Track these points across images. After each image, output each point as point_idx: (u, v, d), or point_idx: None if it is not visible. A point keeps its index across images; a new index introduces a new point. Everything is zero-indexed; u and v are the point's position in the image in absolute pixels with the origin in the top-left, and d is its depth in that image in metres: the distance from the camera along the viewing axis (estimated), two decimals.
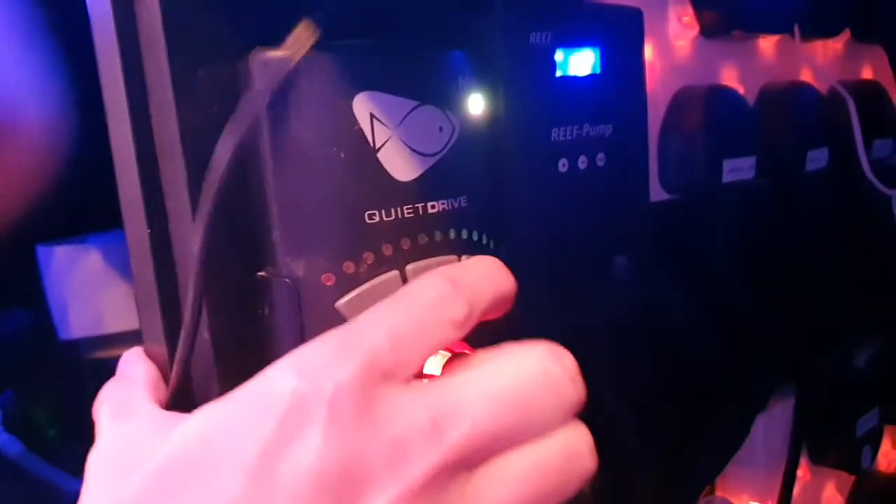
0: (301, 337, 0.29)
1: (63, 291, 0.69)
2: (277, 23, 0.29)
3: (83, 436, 0.71)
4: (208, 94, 0.29)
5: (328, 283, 0.29)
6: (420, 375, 0.30)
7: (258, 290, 0.30)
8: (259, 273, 0.30)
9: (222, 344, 0.29)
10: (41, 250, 0.70)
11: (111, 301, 0.68)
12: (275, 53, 0.28)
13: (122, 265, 0.57)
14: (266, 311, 0.30)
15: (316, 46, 0.28)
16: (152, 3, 0.28)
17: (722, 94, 0.44)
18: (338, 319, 0.29)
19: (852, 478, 0.64)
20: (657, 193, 0.43)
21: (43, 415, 0.75)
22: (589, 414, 0.38)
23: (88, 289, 0.69)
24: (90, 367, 0.70)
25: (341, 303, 0.29)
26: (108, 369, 0.70)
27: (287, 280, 0.29)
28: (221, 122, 0.29)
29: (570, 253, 0.37)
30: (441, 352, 0.30)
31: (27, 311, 0.72)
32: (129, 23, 0.29)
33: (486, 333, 0.32)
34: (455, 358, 0.30)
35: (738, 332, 0.45)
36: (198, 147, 0.29)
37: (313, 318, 0.29)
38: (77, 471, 0.67)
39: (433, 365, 0.30)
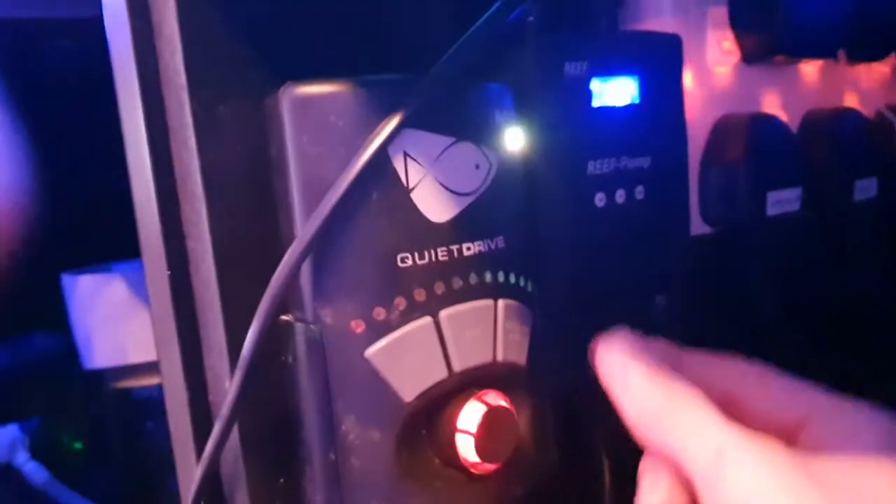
0: (327, 388, 0.28)
1: (87, 321, 0.68)
2: (303, 57, 0.28)
3: (109, 464, 0.70)
4: (231, 130, 0.28)
5: (357, 331, 0.27)
6: (454, 430, 0.28)
7: (281, 336, 0.28)
8: (282, 317, 0.28)
9: (243, 391, 0.27)
10: (66, 279, 0.70)
11: (136, 330, 0.67)
12: (307, 89, 0.27)
13: (147, 294, 0.56)
14: (290, 359, 0.28)
15: (347, 80, 0.27)
16: (172, 36, 0.27)
17: (764, 122, 0.42)
18: (367, 369, 0.27)
19: None
20: (698, 227, 0.41)
21: (69, 443, 0.75)
22: (626, 458, 0.36)
23: (113, 318, 0.68)
24: (115, 397, 0.69)
25: (371, 351, 0.27)
26: (133, 400, 0.69)
27: (312, 326, 0.27)
28: (244, 159, 0.28)
29: (608, 290, 0.35)
30: (477, 402, 0.29)
31: (54, 337, 0.72)
32: (149, 57, 0.28)
33: (520, 377, 0.31)
34: (491, 411, 0.28)
35: (784, 371, 0.43)
36: (220, 186, 0.28)
37: (341, 367, 0.28)
38: (102, 500, 0.66)
39: (470, 419, 0.28)
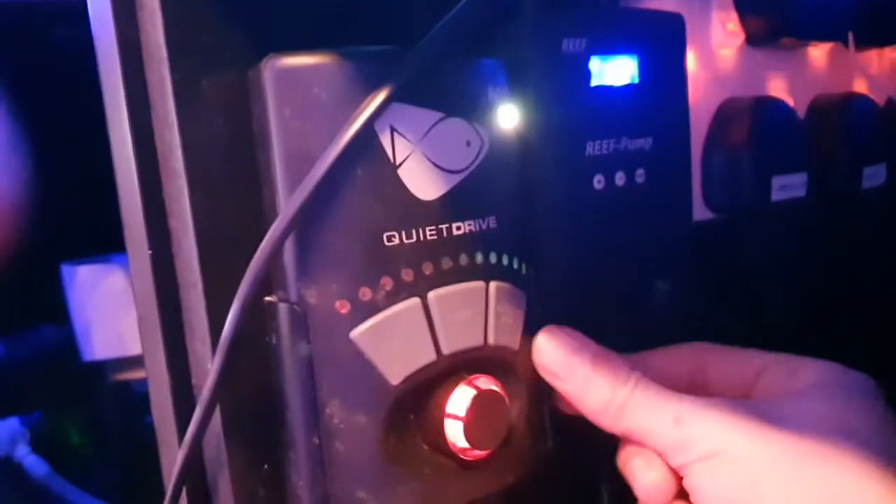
0: (311, 370, 0.27)
1: (87, 312, 0.68)
2: (288, 28, 0.27)
3: (109, 458, 0.69)
4: (213, 104, 0.27)
5: (342, 311, 0.26)
6: (443, 415, 0.27)
7: (265, 317, 0.28)
8: (266, 297, 0.27)
9: (224, 374, 0.26)
10: (65, 269, 0.69)
11: (135, 322, 0.67)
12: (290, 60, 0.26)
13: None
14: (273, 340, 0.28)
15: (332, 52, 0.26)
16: (154, 7, 0.26)
17: (770, 106, 0.41)
18: (352, 350, 0.27)
19: None
20: (700, 212, 0.40)
21: (70, 436, 0.75)
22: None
23: (112, 309, 0.67)
24: (115, 389, 0.69)
25: (357, 332, 0.27)
26: (132, 392, 0.69)
27: (296, 306, 0.27)
28: (226, 134, 0.27)
29: (606, 276, 0.34)
30: (467, 386, 0.28)
31: (57, 329, 0.72)
32: (130, 28, 0.27)
33: (511, 361, 0.30)
34: (481, 395, 0.28)
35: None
36: (201, 162, 0.27)
37: (326, 348, 0.27)
38: (103, 494, 0.65)
39: (459, 403, 0.27)
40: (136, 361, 0.68)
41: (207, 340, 0.28)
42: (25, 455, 0.71)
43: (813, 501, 0.25)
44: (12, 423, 0.72)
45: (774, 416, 0.27)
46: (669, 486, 0.29)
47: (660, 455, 0.29)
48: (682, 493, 0.29)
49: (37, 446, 0.72)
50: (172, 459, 0.29)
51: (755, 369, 0.31)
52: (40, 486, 0.69)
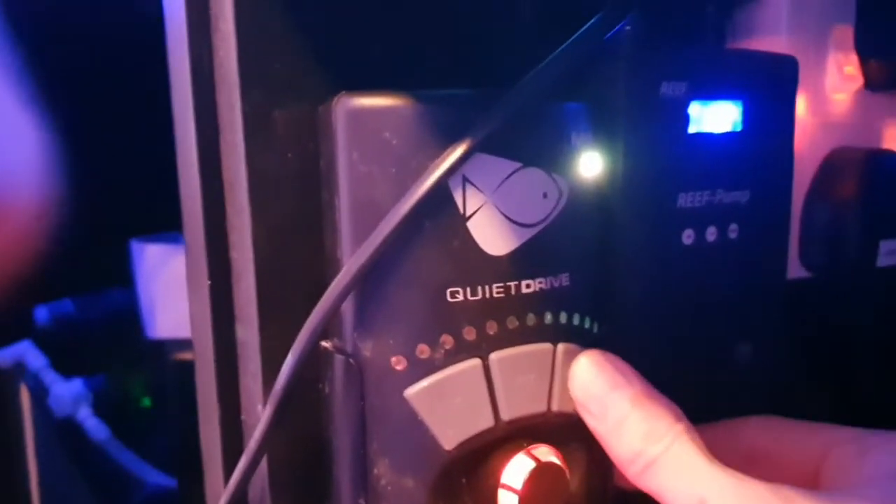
0: (362, 426, 0.25)
1: (153, 290, 0.69)
2: (365, 65, 0.26)
3: (167, 430, 0.70)
4: (283, 138, 0.26)
5: (398, 368, 0.25)
6: (497, 485, 0.26)
7: (319, 361, 0.26)
8: (322, 342, 0.26)
9: (273, 425, 0.25)
10: (134, 245, 0.70)
11: None
12: (362, 101, 0.24)
13: None
14: (326, 389, 0.26)
15: (409, 94, 0.24)
16: (228, 32, 0.25)
17: (883, 159, 0.37)
18: (406, 410, 0.25)
19: None
20: (795, 270, 0.37)
21: (132, 402, 0.76)
22: None
23: (178, 290, 0.67)
24: (176, 365, 0.69)
25: (411, 392, 0.25)
26: (193, 370, 0.69)
27: (351, 359, 0.25)
28: (295, 169, 0.26)
29: (689, 337, 0.32)
30: (525, 457, 0.26)
31: (126, 293, 0.73)
32: (203, 52, 0.26)
33: (576, 430, 0.28)
34: (541, 468, 0.26)
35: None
36: (267, 197, 0.26)
37: (378, 405, 0.25)
38: (160, 462, 0.65)
39: (516, 474, 0.26)
40: None
41: (259, 378, 0.27)
42: (87, 417, 0.72)
43: None
44: (77, 384, 0.73)
45: None
46: None
47: None
48: None
49: (98, 409, 0.73)
50: (216, 492, 0.28)
51: (823, 445, 0.28)
52: (98, 449, 0.71)
